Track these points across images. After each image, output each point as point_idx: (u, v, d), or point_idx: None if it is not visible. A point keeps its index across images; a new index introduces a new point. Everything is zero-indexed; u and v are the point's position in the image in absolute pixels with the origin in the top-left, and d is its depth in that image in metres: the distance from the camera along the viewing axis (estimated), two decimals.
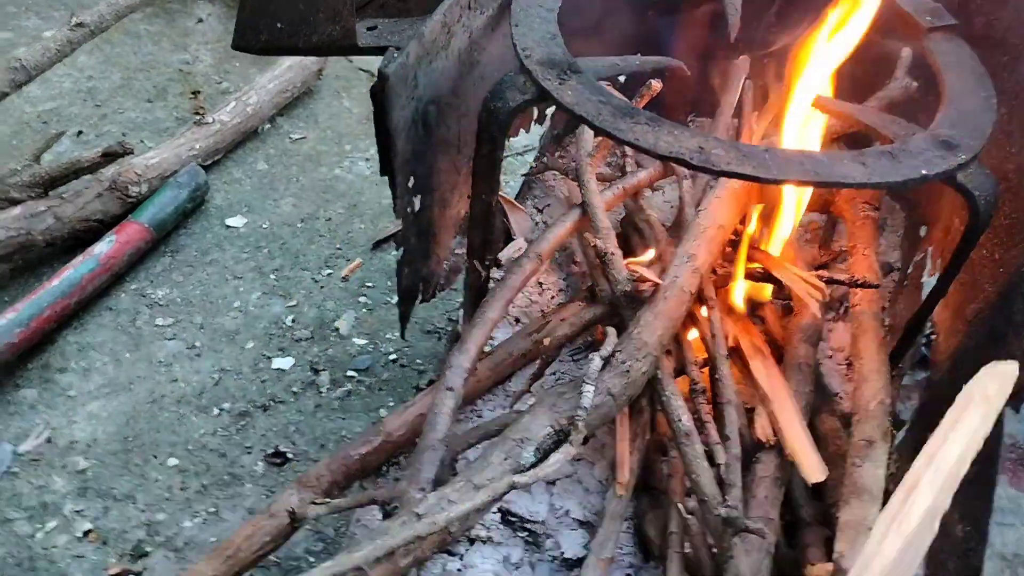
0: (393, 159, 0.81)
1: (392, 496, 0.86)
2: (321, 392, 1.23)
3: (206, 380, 1.25)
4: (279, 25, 0.93)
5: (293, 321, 1.33)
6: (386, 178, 0.84)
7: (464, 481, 0.75)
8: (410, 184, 0.86)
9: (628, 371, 0.83)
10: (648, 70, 0.93)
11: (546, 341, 0.96)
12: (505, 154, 1.61)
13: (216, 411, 1.21)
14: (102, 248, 1.34)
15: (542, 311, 1.10)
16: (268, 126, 1.69)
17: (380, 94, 0.76)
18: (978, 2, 1.01)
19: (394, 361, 1.27)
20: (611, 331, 0.86)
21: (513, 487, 0.75)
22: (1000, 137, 0.93)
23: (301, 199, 1.54)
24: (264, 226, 1.48)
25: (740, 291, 0.99)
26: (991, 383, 0.46)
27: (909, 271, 1.08)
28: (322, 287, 1.38)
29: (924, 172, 0.74)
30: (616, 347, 0.85)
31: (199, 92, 1.74)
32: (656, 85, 0.98)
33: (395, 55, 0.76)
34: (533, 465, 0.78)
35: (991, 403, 0.44)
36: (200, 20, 1.96)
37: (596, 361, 0.82)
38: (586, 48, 1.23)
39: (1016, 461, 1.23)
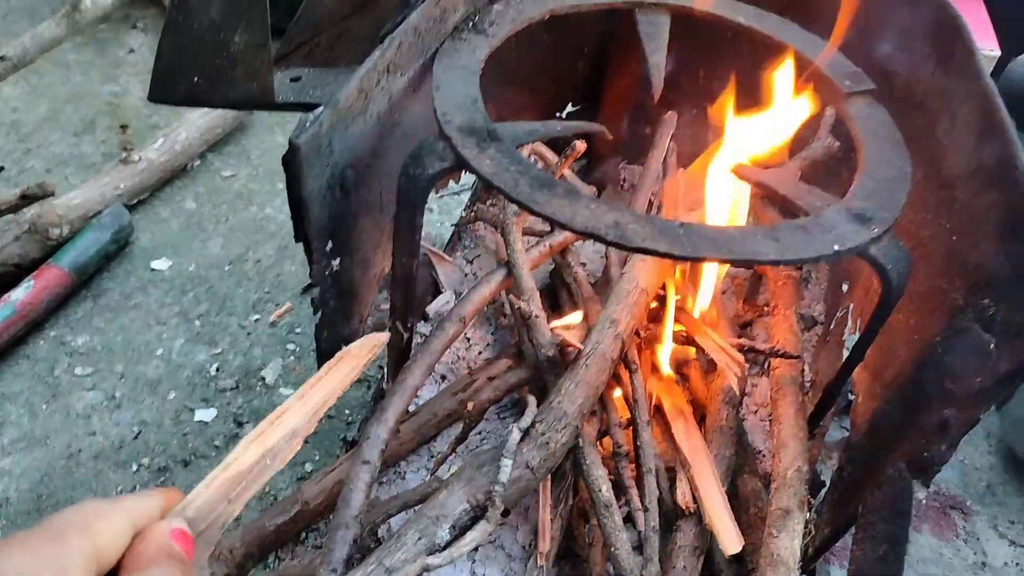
0: (307, 227, 0.79)
1: (304, 575, 0.84)
2: None
3: (126, 433, 1.21)
4: (196, 80, 0.91)
5: (218, 370, 1.29)
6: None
7: (376, 564, 0.73)
8: (328, 248, 0.84)
9: (548, 443, 0.82)
10: (570, 134, 0.93)
11: (470, 406, 0.94)
12: (441, 194, 1.61)
13: (135, 466, 1.17)
14: (19, 295, 1.29)
15: (469, 367, 1.09)
16: (198, 163, 1.65)
17: (291, 164, 0.74)
18: (899, 65, 1.03)
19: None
20: (531, 400, 0.85)
21: (427, 569, 0.74)
22: (916, 202, 0.94)
23: (230, 240, 1.51)
24: (191, 269, 1.45)
25: (665, 353, 0.99)
26: (365, 347, 0.55)
27: (831, 327, 1.09)
28: (249, 333, 1.35)
29: (836, 248, 0.74)
30: (536, 417, 0.84)
31: (127, 126, 1.69)
32: (580, 146, 0.98)
33: (307, 124, 0.74)
34: (449, 543, 0.77)
35: (361, 359, 0.54)
36: (132, 50, 1.92)
37: (515, 434, 0.81)
38: (517, 98, 1.24)
39: (939, 509, 1.25)
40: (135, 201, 1.52)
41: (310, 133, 0.73)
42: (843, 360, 0.91)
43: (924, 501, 1.26)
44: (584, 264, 1.21)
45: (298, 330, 1.36)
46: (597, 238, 0.73)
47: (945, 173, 0.89)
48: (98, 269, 1.41)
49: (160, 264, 1.45)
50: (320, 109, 0.76)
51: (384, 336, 0.61)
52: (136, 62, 1.89)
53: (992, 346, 0.73)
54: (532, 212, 0.75)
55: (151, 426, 1.22)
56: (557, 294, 1.13)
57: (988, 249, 0.78)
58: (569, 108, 1.32)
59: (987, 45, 1.47)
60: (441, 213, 1.62)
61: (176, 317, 1.37)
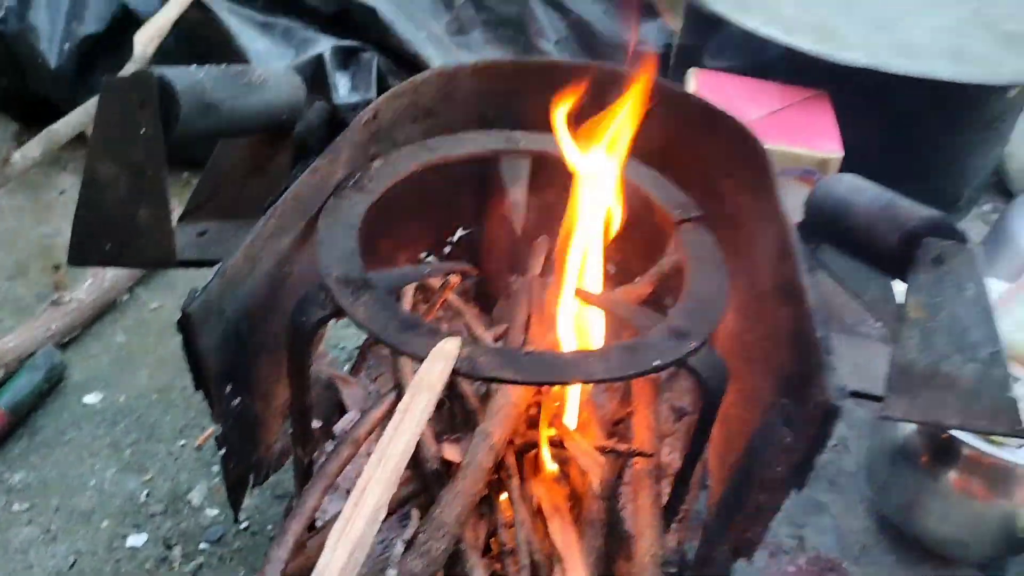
0: (205, 377, 0.90)
1: None
2: (173, 567, 1.28)
3: (61, 565, 1.29)
4: (108, 246, 1.02)
5: (148, 496, 1.38)
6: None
7: None
8: (228, 390, 0.96)
9: (429, 551, 0.93)
10: (440, 274, 1.07)
11: None
12: None
13: None
14: None
15: None
16: (127, 297, 1.76)
17: (184, 329, 0.86)
18: (727, 188, 1.19)
19: (246, 529, 1.34)
20: (414, 513, 0.97)
21: None
22: (742, 311, 1.09)
23: (158, 370, 1.61)
24: (121, 400, 1.54)
25: (546, 456, 1.12)
26: (435, 366, 0.53)
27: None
28: (176, 458, 1.45)
29: (657, 362, 0.88)
30: (419, 528, 0.95)
31: (60, 266, 1.80)
32: (454, 280, 1.12)
33: (197, 293, 0.86)
34: None
35: (434, 387, 0.52)
36: (62, 192, 2.04)
37: (399, 546, 0.92)
38: (410, 231, 1.38)
39: (817, 573, 1.38)
40: (67, 339, 1.62)
41: (200, 301, 0.86)
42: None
43: (804, 566, 1.39)
44: None
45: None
46: (453, 372, 0.86)
47: (759, 287, 1.04)
48: (33, 407, 1.50)
49: (92, 398, 1.55)
50: (209, 278, 0.88)
51: (453, 343, 0.61)
52: (67, 203, 2.01)
53: (789, 439, 0.87)
54: (398, 351, 0.89)
55: (86, 555, 1.30)
56: (451, 407, 1.25)
57: (785, 354, 0.92)
58: (460, 232, 1.47)
59: (834, 148, 1.66)
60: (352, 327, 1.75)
61: (108, 448, 1.46)
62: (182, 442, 1.47)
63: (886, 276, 1.16)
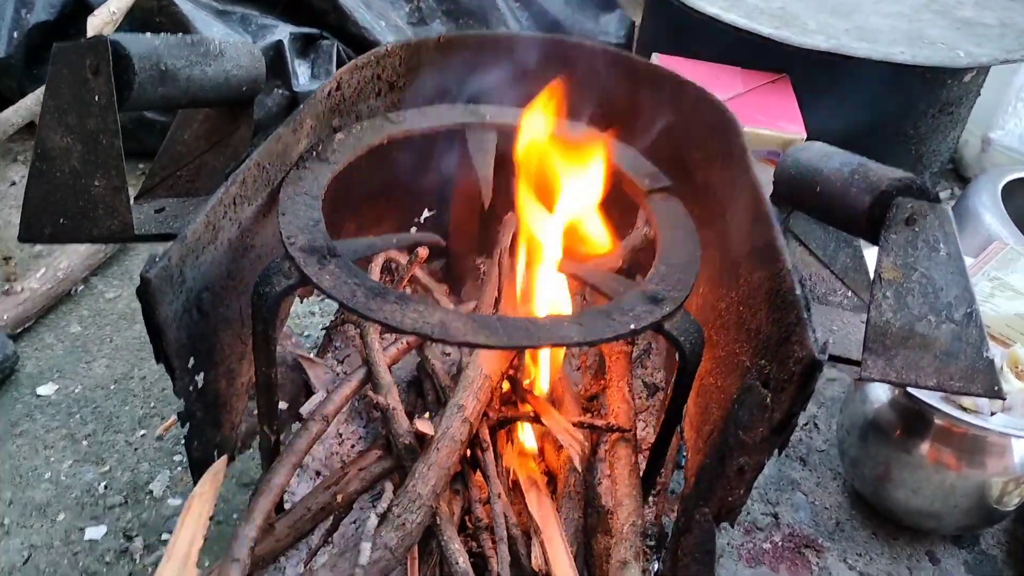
0: (166, 348, 0.87)
1: None
2: (135, 559, 1.24)
3: (15, 559, 1.23)
4: (62, 220, 0.98)
5: (106, 487, 1.33)
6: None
7: None
8: (190, 364, 0.93)
9: (404, 524, 0.91)
10: (406, 244, 1.04)
11: (339, 498, 1.02)
12: (322, 297, 1.70)
13: None
14: None
15: (342, 461, 1.17)
16: (82, 287, 1.71)
17: (144, 296, 0.82)
18: (696, 161, 1.19)
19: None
20: (388, 486, 0.94)
21: None
22: (714, 279, 1.08)
23: (115, 359, 1.56)
24: (76, 391, 1.49)
25: (523, 431, 1.10)
26: (207, 482, 0.58)
27: (668, 392, 1.21)
28: (136, 449, 1.40)
29: (633, 327, 0.87)
30: (393, 501, 0.92)
31: (10, 258, 1.74)
32: (423, 252, 1.09)
33: (157, 259, 0.83)
34: None
35: (209, 494, 0.57)
36: (13, 183, 1.97)
37: (372, 519, 0.90)
38: (375, 210, 1.35)
39: (794, 549, 1.37)
40: (20, 330, 1.56)
41: (159, 267, 0.82)
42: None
43: (780, 543, 1.38)
44: (448, 354, 1.31)
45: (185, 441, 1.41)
46: (424, 336, 0.84)
47: (732, 253, 1.03)
48: None
49: (46, 389, 1.49)
50: (169, 244, 0.85)
51: (219, 464, 0.65)
52: (17, 195, 1.95)
53: (768, 400, 0.85)
54: (366, 318, 0.85)
55: (41, 549, 1.25)
56: (422, 387, 1.22)
57: (762, 317, 0.91)
58: (426, 213, 1.44)
59: (797, 129, 1.66)
60: (323, 316, 1.71)
61: (63, 440, 1.41)
62: (142, 432, 1.43)
63: (857, 240, 1.17)
